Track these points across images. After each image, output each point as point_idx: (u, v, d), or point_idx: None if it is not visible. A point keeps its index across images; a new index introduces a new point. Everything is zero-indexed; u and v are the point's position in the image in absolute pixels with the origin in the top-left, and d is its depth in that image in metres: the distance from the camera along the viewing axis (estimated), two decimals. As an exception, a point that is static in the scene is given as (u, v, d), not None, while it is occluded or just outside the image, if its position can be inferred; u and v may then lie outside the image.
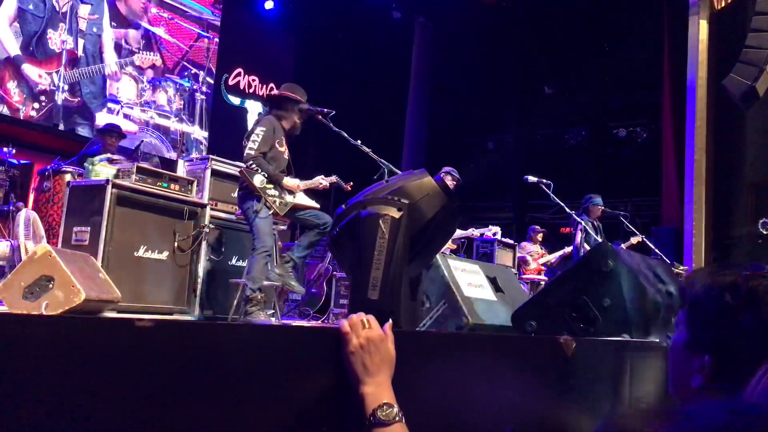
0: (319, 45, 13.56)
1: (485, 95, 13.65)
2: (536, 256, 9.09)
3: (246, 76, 12.91)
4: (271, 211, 4.19)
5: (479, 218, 14.56)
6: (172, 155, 11.25)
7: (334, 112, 4.34)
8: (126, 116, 10.57)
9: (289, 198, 4.32)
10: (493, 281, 3.65)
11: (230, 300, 4.74)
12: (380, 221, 1.56)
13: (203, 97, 11.99)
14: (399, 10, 13.03)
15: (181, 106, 11.63)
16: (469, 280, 3.44)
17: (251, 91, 13.01)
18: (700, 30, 10.66)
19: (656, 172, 12.45)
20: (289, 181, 4.36)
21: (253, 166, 4.15)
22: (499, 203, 14.85)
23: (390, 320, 1.10)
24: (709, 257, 10.76)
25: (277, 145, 4.34)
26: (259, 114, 13.05)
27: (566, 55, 13.11)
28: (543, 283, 8.97)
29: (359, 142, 4.24)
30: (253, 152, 4.17)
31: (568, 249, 8.62)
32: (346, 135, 4.25)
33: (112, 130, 6.01)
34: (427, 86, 13.57)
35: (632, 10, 12.03)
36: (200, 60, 11.95)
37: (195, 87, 11.85)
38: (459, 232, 6.58)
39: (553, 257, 9.06)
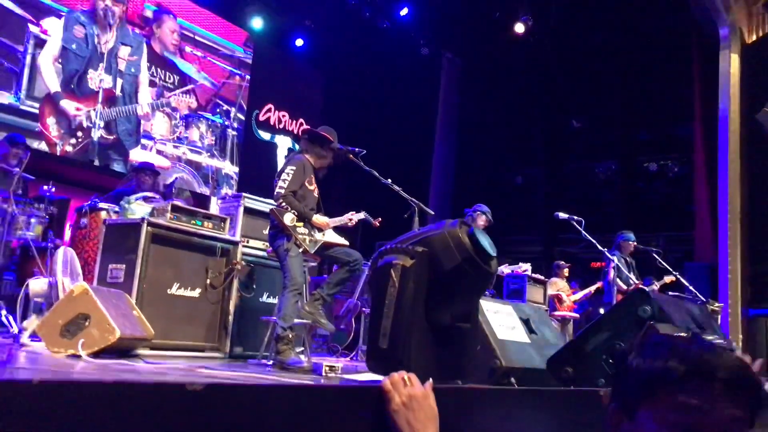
0: (348, 81, 13.77)
1: (513, 130, 13.68)
2: (567, 292, 8.97)
3: (276, 111, 13.13)
4: (301, 249, 4.21)
5: (507, 252, 14.45)
6: (204, 190, 11.43)
7: (365, 152, 4.39)
8: (159, 152, 10.79)
9: (318, 236, 4.35)
10: (526, 322, 3.61)
11: (260, 337, 4.75)
12: (391, 270, 1.56)
13: (234, 132, 12.21)
14: (427, 46, 13.18)
15: (213, 142, 11.84)
16: (502, 321, 3.41)
17: (281, 126, 13.22)
18: (732, 64, 10.58)
19: (688, 206, 12.28)
20: (318, 219, 4.39)
21: (284, 204, 4.20)
22: (527, 237, 14.74)
23: (430, 379, 1.10)
24: (746, 293, 10.51)
25: (306, 184, 4.39)
26: (289, 149, 13.24)
27: (594, 89, 13.11)
28: (573, 320, 8.85)
29: (390, 181, 4.28)
30: (283, 191, 4.22)
31: (598, 285, 8.49)
32: (377, 174, 4.29)
33: (146, 168, 6.15)
34: (454, 121, 13.65)
35: (662, 43, 12.02)
36: (231, 97, 12.20)
37: (226, 123, 12.08)
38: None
39: (584, 293, 8.94)
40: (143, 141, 10.52)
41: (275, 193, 4.27)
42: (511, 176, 14.75)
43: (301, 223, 4.27)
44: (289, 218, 4.23)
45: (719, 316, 9.59)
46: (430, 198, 13.31)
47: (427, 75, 13.50)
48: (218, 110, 11.94)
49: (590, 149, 13.86)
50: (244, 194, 5.02)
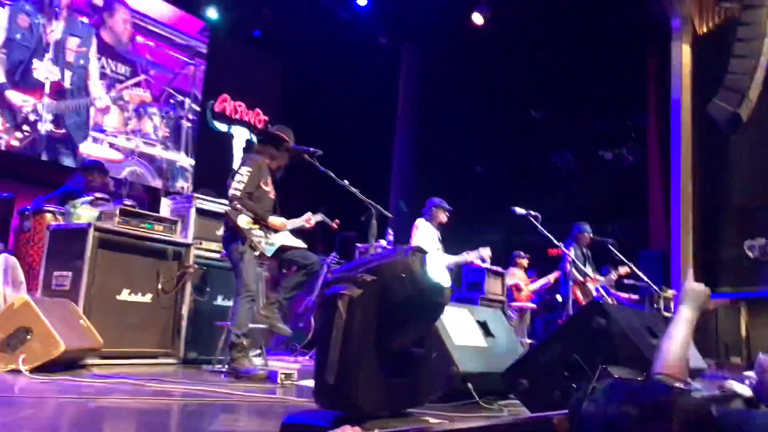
0: (306, 71, 13.57)
1: (473, 120, 13.69)
2: (526, 282, 9.05)
3: (232, 102, 12.87)
4: (257, 253, 4.12)
5: (468, 242, 14.53)
6: (158, 183, 11.16)
7: (321, 152, 4.30)
8: (111, 145, 10.48)
9: (274, 238, 4.25)
10: (482, 325, 3.60)
11: (215, 340, 4.64)
12: (338, 301, 1.50)
13: (189, 124, 11.94)
14: (386, 36, 13.09)
15: (167, 134, 11.56)
16: (459, 326, 3.39)
17: (238, 117, 12.97)
18: (684, 55, 10.77)
19: (643, 195, 12.50)
20: (275, 220, 4.30)
21: (238, 206, 4.09)
22: (487, 227, 14.83)
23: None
24: (697, 280, 10.78)
25: (262, 185, 4.28)
26: (247, 141, 13.02)
27: (552, 80, 13.19)
28: (530, 310, 8.95)
29: (347, 182, 4.20)
30: (238, 192, 4.10)
31: (556, 274, 8.56)
32: (333, 175, 4.21)
33: (94, 167, 5.91)
34: (415, 112, 13.61)
35: (618, 34, 12.13)
36: (186, 87, 11.91)
37: (181, 114, 11.80)
38: (450, 258, 6.51)
39: (541, 283, 9.01)
40: (95, 134, 10.19)
41: (229, 194, 4.15)
42: (471, 166, 14.80)
43: (256, 226, 4.17)
44: (244, 220, 4.12)
45: (672, 303, 9.83)
46: (391, 189, 13.27)
47: (387, 65, 13.41)
48: (172, 101, 11.64)
49: (548, 140, 13.98)
50: (195, 195, 4.89)
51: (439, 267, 1.63)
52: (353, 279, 1.52)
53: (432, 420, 1.64)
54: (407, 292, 1.56)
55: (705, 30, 10.70)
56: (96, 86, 10.18)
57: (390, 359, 1.56)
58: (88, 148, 10.00)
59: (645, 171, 12.59)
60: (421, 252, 1.63)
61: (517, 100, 13.99)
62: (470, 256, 6.62)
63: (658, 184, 11.90)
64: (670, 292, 9.88)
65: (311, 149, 4.31)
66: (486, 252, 6.53)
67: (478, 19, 11.85)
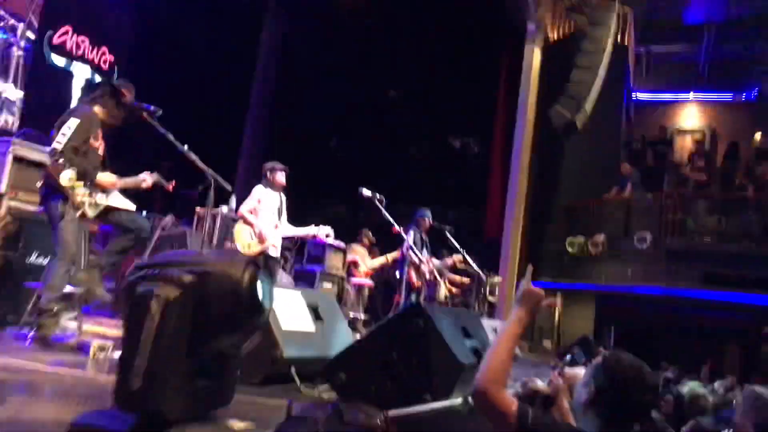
0: (162, 12, 12.69)
1: (332, 93, 13.62)
2: (365, 259, 9.22)
3: (75, 36, 11.73)
4: (79, 213, 3.79)
5: (315, 215, 14.54)
6: (-22, 115, 10.00)
7: (161, 111, 4.03)
8: None
9: (100, 198, 3.95)
10: (314, 309, 3.61)
11: (24, 302, 4.26)
12: (151, 302, 1.39)
13: (21, 53, 10.76)
14: (251, -6, 12.59)
15: (-7, 60, 10.35)
16: (289, 310, 3.36)
17: (80, 53, 11.86)
18: (534, 58, 11.40)
19: (484, 185, 13.18)
20: (105, 178, 3.99)
21: (61, 161, 3.72)
22: (335, 200, 14.93)
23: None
24: (522, 269, 11.63)
25: (92, 139, 3.94)
26: (87, 80, 11.99)
27: (412, 64, 13.44)
28: (368, 287, 9.15)
29: (186, 147, 3.98)
30: (59, 146, 3.72)
31: (395, 254, 8.78)
32: (173, 138, 3.97)
33: None
34: (273, 76, 13.27)
35: (477, 29, 12.59)
36: (20, 11, 10.69)
37: (12, 40, 10.59)
38: (289, 229, 6.43)
39: (380, 262, 9.22)
40: None
41: (51, 147, 3.77)
42: (327, 138, 14.77)
43: (80, 183, 3.83)
44: (66, 176, 3.76)
45: (497, 288, 10.54)
46: (242, 152, 12.90)
47: (250, 17, 12.90)
48: (2, 24, 10.41)
49: (402, 121, 14.27)
50: (14, 140, 4.41)
51: (266, 287, 1.56)
52: (171, 278, 1.41)
53: (237, 424, 1.60)
54: (229, 305, 1.49)
55: (556, 37, 11.38)
56: None
57: (198, 361, 1.48)
58: None
59: (488, 161, 13.28)
60: (255, 266, 1.55)
61: (376, 79, 14.09)
62: (314, 230, 6.56)
63: (498, 176, 12.59)
64: (497, 278, 10.61)
65: (151, 107, 4.02)
66: (326, 230, 6.52)
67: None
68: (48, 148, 4.60)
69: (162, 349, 1.37)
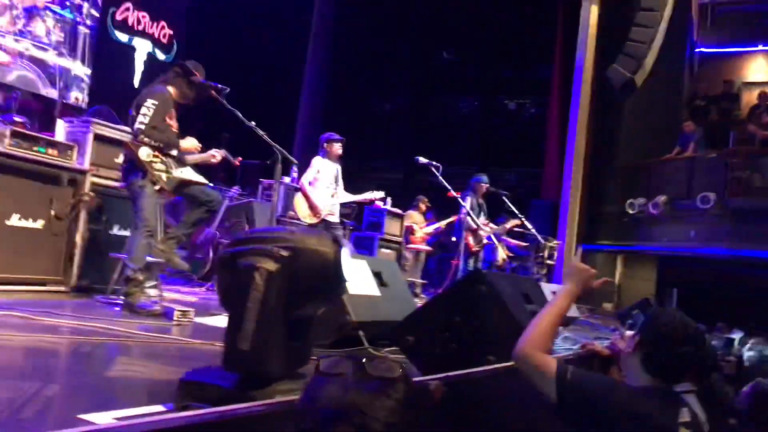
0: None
1: (385, 57, 13.65)
2: (422, 224, 9.37)
3: (135, 11, 12.13)
4: (158, 187, 4.06)
5: (370, 179, 14.74)
6: (50, 92, 10.49)
7: (228, 90, 4.24)
8: (-3, 45, 9.70)
9: (176, 172, 4.20)
10: (378, 275, 3.78)
11: (109, 270, 4.60)
12: (255, 273, 1.62)
13: (87, 31, 11.19)
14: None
15: (62, 39, 10.79)
16: (355, 276, 3.55)
17: (140, 28, 12.26)
18: (591, 15, 11.13)
19: (540, 146, 13.06)
20: (187, 142, 4.27)
21: (144, 139, 3.99)
22: (390, 164, 15.07)
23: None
24: (582, 232, 11.56)
25: (167, 119, 4.18)
26: (149, 54, 12.40)
27: (465, 25, 13.31)
28: (425, 253, 9.31)
29: (253, 123, 4.19)
30: (143, 126, 3.98)
31: (451, 219, 8.89)
32: (240, 115, 4.18)
33: None
34: (328, 43, 13.36)
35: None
36: (85, -10, 11.09)
37: (78, 19, 11.02)
38: (346, 197, 6.66)
39: (435, 227, 9.37)
40: (-23, 32, 9.38)
41: (134, 128, 4.04)
42: (380, 103, 14.86)
43: (158, 159, 4.09)
44: (144, 153, 4.03)
45: (555, 252, 10.52)
46: (299, 118, 13.12)
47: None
48: (68, 3, 10.82)
49: (455, 83, 14.20)
50: (93, 120, 4.69)
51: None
52: (270, 252, 1.63)
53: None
54: (317, 279, 1.70)
55: (614, -6, 11.05)
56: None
57: (289, 326, 1.69)
58: (-30, 48, 9.24)
59: (544, 123, 13.13)
60: (338, 244, 1.76)
61: (427, 42, 14.04)
62: (369, 195, 6.79)
63: (555, 137, 12.45)
64: (555, 242, 10.58)
65: (219, 86, 4.24)
66: (380, 194, 6.73)
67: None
68: (122, 126, 4.91)
69: (265, 316, 1.59)
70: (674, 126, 11.51)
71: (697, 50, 13.43)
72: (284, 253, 1.62)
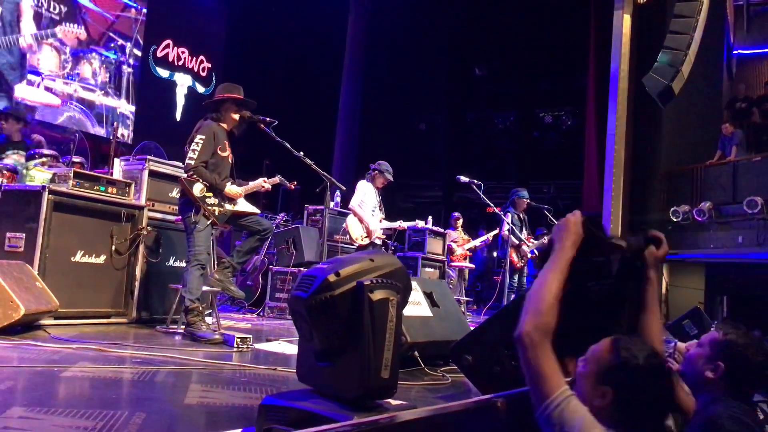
0: (252, 17, 13.30)
1: (418, 76, 13.80)
2: (461, 242, 9.41)
3: (175, 48, 12.55)
4: (210, 221, 4.21)
5: (409, 196, 14.86)
6: (98, 130, 10.90)
7: (276, 122, 4.39)
8: (48, 89, 10.14)
9: (228, 206, 4.35)
10: (429, 296, 3.86)
11: (167, 301, 4.77)
12: (389, 305, 1.81)
13: (130, 69, 11.62)
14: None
15: (107, 79, 11.23)
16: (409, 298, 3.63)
17: (180, 63, 12.68)
18: (624, 24, 11.09)
19: (579, 157, 12.98)
20: (231, 190, 4.38)
21: (194, 176, 4.15)
22: (429, 182, 15.17)
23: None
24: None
25: (219, 151, 4.33)
26: (189, 88, 12.78)
27: (497, 40, 13.39)
28: (468, 270, 9.34)
29: (302, 153, 4.33)
30: (193, 162, 4.15)
31: (493, 234, 8.92)
32: (289, 146, 4.32)
33: (9, 114, 5.73)
34: (361, 65, 13.58)
35: None
36: (127, 31, 11.54)
37: (122, 59, 11.46)
38: (386, 223, 6.78)
39: (477, 242, 9.40)
40: (30, 77, 9.83)
41: (185, 163, 4.21)
42: (415, 122, 15.00)
43: (210, 194, 4.25)
44: (198, 189, 4.19)
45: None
46: (336, 142, 13.33)
47: (335, 15, 13.29)
48: (112, 45, 11.28)
49: (490, 99, 14.25)
50: (149, 157, 4.90)
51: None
52: (394, 287, 1.89)
53: (392, 402, 1.91)
54: (403, 298, 2.01)
55: (644, 0, 11.00)
56: (28, 24, 9.75)
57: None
58: (24, 91, 9.68)
59: (582, 134, 13.06)
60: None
61: (461, 58, 14.16)
62: (404, 224, 7.03)
63: (594, 147, 12.35)
64: (599, 253, 10.45)
65: (268, 119, 4.39)
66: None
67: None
68: (172, 161, 5.11)
69: (395, 343, 1.81)
70: (715, 131, 11.36)
71: (734, 52, 13.25)
72: (398, 284, 1.84)
